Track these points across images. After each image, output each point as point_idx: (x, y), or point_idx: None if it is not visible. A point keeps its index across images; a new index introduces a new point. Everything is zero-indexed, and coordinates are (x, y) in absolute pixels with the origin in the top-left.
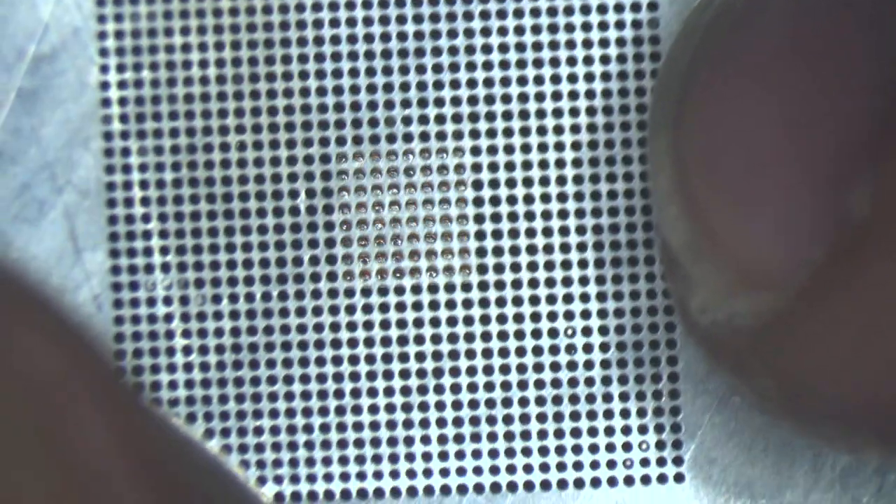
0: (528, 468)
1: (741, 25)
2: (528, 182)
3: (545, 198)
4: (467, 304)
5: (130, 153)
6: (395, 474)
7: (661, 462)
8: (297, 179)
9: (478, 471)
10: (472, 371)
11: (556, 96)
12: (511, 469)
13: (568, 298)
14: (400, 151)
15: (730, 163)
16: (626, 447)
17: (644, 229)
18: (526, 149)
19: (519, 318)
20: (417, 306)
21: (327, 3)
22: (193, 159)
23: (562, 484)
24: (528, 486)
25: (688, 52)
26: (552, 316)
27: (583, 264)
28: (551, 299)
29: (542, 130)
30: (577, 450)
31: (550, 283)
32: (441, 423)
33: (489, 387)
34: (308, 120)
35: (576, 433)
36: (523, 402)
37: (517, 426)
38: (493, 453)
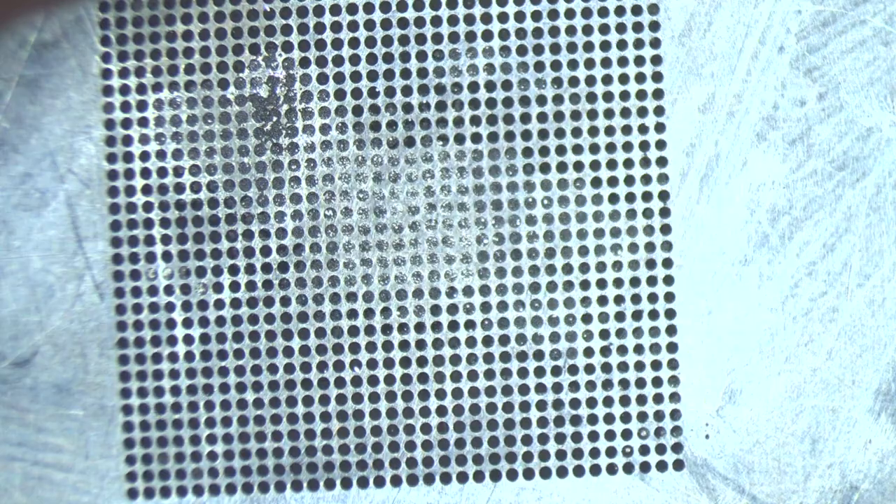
0: (528, 456)
1: None
2: (528, 168)
3: (545, 184)
4: (468, 291)
5: (132, 142)
6: (395, 463)
7: (660, 449)
8: (298, 167)
9: (477, 459)
10: (472, 358)
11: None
12: (511, 457)
13: (568, 286)
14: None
15: None
16: (626, 435)
17: (645, 215)
18: (527, 136)
19: (519, 305)
20: (418, 293)
21: None
22: (195, 147)
23: (562, 472)
24: (529, 474)
25: None
26: (552, 303)
27: (583, 251)
28: (552, 286)
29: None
30: (576, 437)
31: (551, 269)
32: (441, 411)
33: (489, 374)
34: (309, 108)
35: (575, 421)
36: (523, 389)
37: (517, 414)
38: (493, 441)
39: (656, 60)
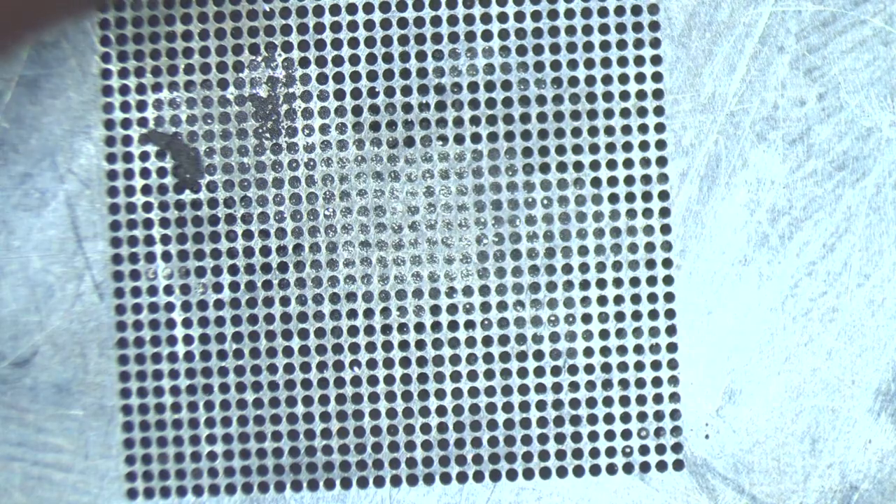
0: (527, 456)
1: None
2: (528, 168)
3: (545, 185)
4: (467, 291)
5: (132, 142)
6: (394, 463)
7: (660, 449)
8: (297, 167)
9: (477, 459)
10: (471, 358)
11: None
12: (511, 457)
13: (568, 286)
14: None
15: None
16: (626, 435)
17: (644, 215)
18: (526, 136)
19: (519, 305)
20: (418, 293)
21: None
22: (195, 146)
23: (562, 472)
24: (528, 474)
25: None
26: (552, 303)
27: (583, 251)
28: (551, 286)
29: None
30: (576, 437)
31: (550, 269)
32: (441, 411)
33: (489, 374)
34: (308, 108)
35: (575, 421)
36: (523, 389)
37: (517, 414)
38: (493, 441)
39: (656, 60)
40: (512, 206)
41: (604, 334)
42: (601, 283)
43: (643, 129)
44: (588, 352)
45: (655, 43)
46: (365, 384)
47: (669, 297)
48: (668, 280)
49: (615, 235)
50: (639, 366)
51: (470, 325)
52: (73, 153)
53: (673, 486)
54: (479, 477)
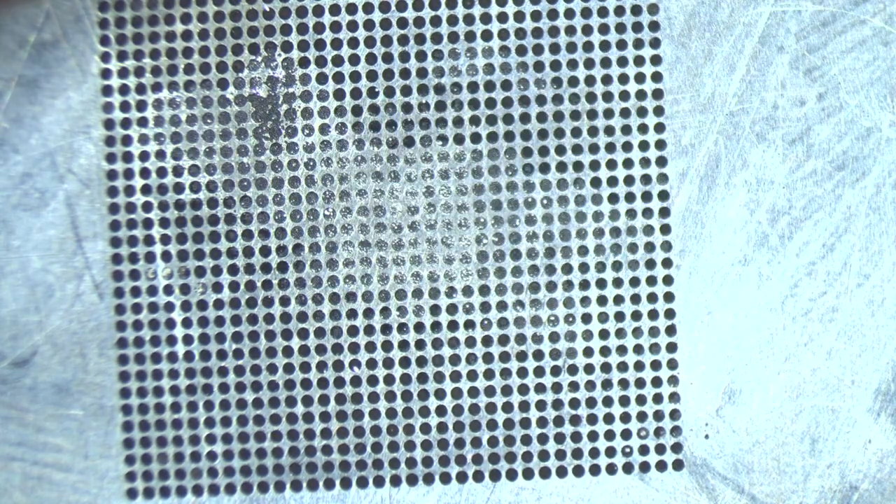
0: (527, 456)
1: None
2: (527, 168)
3: (545, 185)
4: (467, 291)
5: (132, 141)
6: (394, 463)
7: (660, 449)
8: (297, 167)
9: (477, 459)
10: (471, 358)
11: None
12: (511, 457)
13: (568, 286)
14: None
15: None
16: (626, 435)
17: (644, 215)
18: (526, 136)
19: (519, 305)
20: (417, 293)
21: None
22: (195, 147)
23: (561, 471)
24: (528, 474)
25: None
26: (552, 303)
27: (582, 251)
28: (551, 286)
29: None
30: (576, 437)
31: (550, 269)
32: (441, 411)
33: (489, 374)
34: (308, 108)
35: (575, 421)
36: (523, 389)
37: (516, 414)
38: (493, 441)
39: (656, 60)
40: (512, 206)
41: (603, 334)
42: (601, 283)
43: (643, 129)
44: (588, 352)
45: (655, 43)
46: (365, 384)
47: (669, 297)
48: (668, 280)
49: (615, 235)
50: (639, 366)
51: (470, 325)
52: (73, 153)
53: (673, 486)
54: (478, 477)
